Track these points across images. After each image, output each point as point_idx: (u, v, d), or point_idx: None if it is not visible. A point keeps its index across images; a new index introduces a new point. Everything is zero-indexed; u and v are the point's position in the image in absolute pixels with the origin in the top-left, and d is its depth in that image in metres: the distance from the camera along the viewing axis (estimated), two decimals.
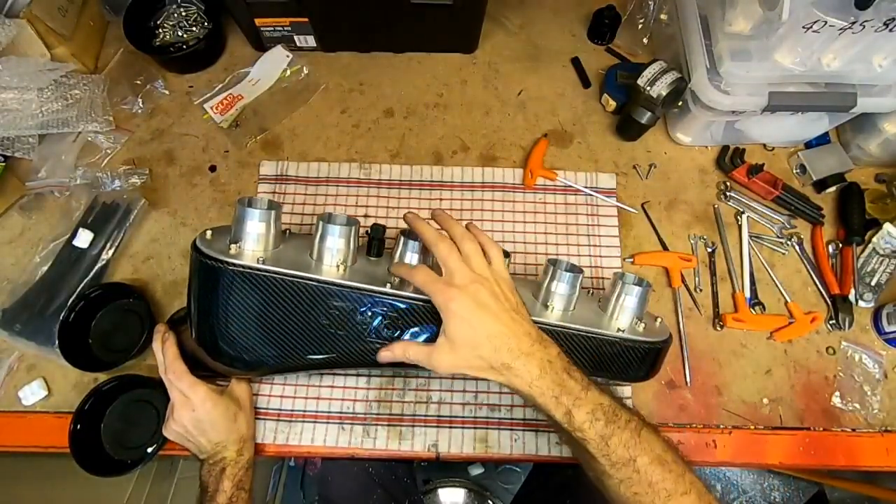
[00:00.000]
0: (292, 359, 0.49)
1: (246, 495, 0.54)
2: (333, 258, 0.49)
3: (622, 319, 0.53)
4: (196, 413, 0.53)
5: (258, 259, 0.46)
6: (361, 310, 0.48)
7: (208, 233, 0.49)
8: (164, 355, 0.54)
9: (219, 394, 0.55)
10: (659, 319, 0.58)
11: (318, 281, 0.47)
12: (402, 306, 0.48)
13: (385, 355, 0.48)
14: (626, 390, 0.62)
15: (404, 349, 0.47)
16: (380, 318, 0.48)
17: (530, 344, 0.44)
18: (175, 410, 0.53)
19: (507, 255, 0.53)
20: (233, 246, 0.47)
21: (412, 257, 0.52)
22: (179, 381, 0.53)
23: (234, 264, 0.45)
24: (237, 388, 0.58)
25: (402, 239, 0.53)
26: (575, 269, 0.53)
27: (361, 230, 0.53)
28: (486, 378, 0.44)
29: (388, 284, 0.49)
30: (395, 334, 0.49)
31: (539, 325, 0.47)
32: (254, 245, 0.48)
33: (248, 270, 0.46)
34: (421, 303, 0.48)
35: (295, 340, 0.48)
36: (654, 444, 0.43)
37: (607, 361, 0.52)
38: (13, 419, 0.61)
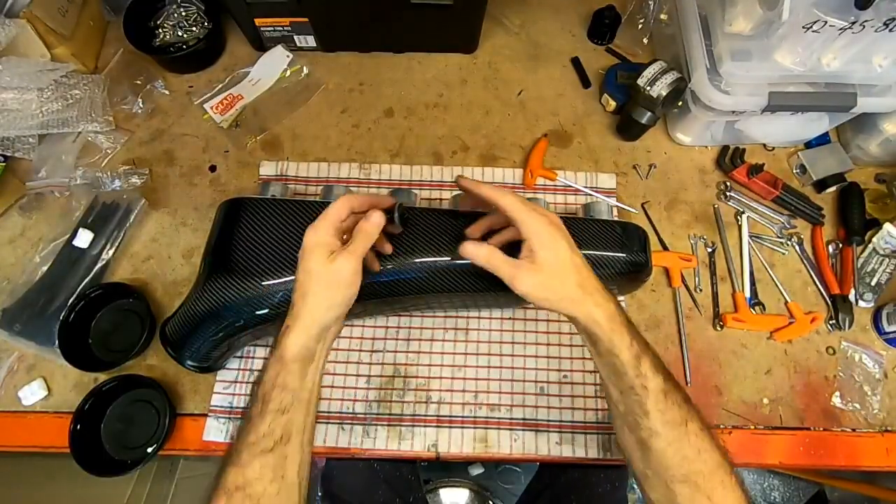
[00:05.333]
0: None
1: (286, 421, 0.39)
2: None
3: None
4: (304, 243, 0.42)
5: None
6: None
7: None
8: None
9: (333, 254, 0.42)
10: None
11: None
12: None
13: (469, 249, 0.44)
14: None
15: (490, 254, 0.44)
16: None
17: (603, 286, 0.43)
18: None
19: None
20: None
21: None
22: (333, 207, 0.43)
23: (254, 197, 0.57)
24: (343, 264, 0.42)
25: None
26: None
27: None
28: (561, 309, 0.42)
29: None
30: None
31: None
32: None
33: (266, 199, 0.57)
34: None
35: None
36: (700, 416, 0.41)
37: (603, 237, 0.57)
38: (13, 419, 0.61)
